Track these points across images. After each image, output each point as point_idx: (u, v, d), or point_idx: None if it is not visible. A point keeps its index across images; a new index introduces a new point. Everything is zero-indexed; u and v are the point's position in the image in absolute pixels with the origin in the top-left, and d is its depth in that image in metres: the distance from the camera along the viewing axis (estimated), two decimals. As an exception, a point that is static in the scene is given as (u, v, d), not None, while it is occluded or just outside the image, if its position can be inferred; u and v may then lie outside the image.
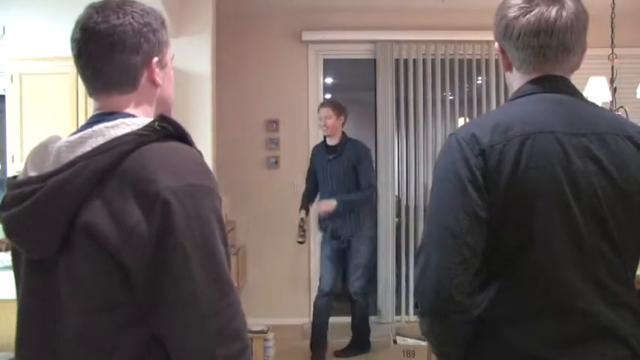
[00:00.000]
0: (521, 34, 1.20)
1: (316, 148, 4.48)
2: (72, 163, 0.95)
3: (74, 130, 3.50)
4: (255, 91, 5.21)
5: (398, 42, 5.17)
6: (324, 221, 4.30)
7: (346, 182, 4.18)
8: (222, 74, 4.69)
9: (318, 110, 4.30)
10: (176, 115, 1.06)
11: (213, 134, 4.17)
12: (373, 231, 4.59)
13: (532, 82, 1.24)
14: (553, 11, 1.18)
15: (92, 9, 1.05)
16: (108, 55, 1.04)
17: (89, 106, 3.74)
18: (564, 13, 1.19)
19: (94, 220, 0.93)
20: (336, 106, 4.23)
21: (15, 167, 3.79)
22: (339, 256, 4.27)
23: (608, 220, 1.15)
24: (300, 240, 4.27)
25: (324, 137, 4.35)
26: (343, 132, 4.31)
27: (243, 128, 5.19)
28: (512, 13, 1.21)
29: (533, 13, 1.19)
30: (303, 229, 4.27)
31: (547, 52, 1.21)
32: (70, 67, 3.69)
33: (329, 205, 4.09)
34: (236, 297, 1.00)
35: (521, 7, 1.20)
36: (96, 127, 0.99)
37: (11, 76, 3.84)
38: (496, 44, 1.28)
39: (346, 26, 5.16)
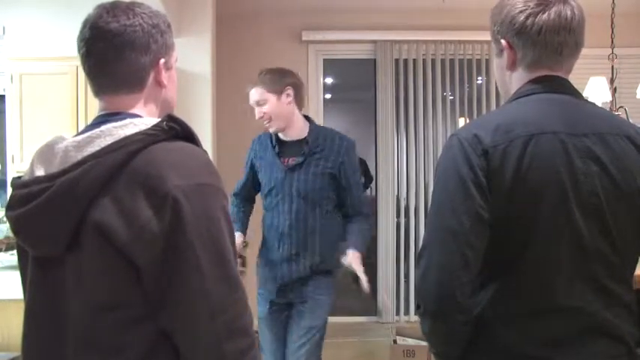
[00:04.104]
0: (543, 30, 1.19)
1: (260, 143, 2.60)
2: (81, 163, 0.96)
3: (74, 130, 3.50)
4: (255, 91, 5.21)
5: (398, 42, 5.17)
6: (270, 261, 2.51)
7: (315, 202, 2.42)
8: (222, 74, 4.69)
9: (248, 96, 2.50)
10: (176, 115, 1.07)
11: (213, 134, 4.18)
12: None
13: (533, 81, 1.24)
14: (568, 10, 1.20)
15: (102, 9, 1.06)
16: (118, 53, 1.05)
17: (89, 106, 3.76)
18: (576, 12, 1.20)
19: (104, 218, 0.94)
20: (269, 80, 2.43)
21: (15, 167, 3.80)
22: (281, 316, 2.54)
23: (608, 221, 1.16)
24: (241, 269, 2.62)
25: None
26: (306, 117, 2.55)
27: (243, 128, 5.18)
28: (530, 9, 1.20)
29: (553, 10, 1.19)
30: (239, 256, 2.67)
31: (564, 50, 1.21)
32: (70, 67, 3.75)
33: (358, 258, 2.39)
34: (244, 294, 1.01)
35: (539, 4, 1.20)
36: (104, 127, 1.00)
37: (11, 76, 3.84)
38: (503, 41, 1.25)
39: (346, 26, 5.16)
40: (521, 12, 1.21)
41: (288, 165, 2.45)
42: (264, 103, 2.43)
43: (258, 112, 2.45)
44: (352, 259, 2.38)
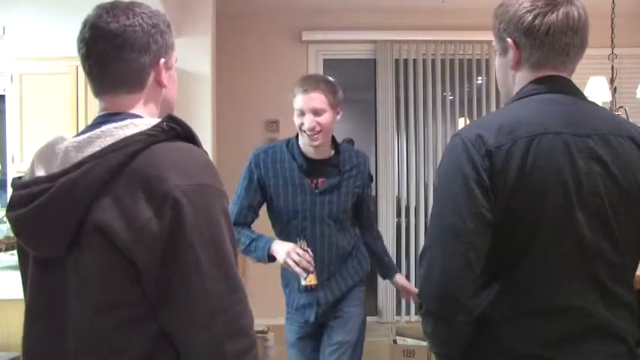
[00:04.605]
0: (551, 31, 1.19)
1: (272, 160, 2.24)
2: (81, 163, 0.96)
3: (74, 130, 3.49)
4: (255, 91, 5.21)
5: (398, 42, 5.18)
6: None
7: (344, 221, 2.28)
8: (222, 74, 4.69)
9: (297, 93, 2.16)
10: (176, 115, 1.07)
11: (213, 134, 4.18)
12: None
13: (536, 81, 1.24)
14: (575, 10, 1.20)
15: (102, 9, 1.06)
16: (118, 54, 1.05)
17: (89, 106, 3.76)
18: (582, 13, 1.21)
19: (104, 218, 0.94)
20: (330, 92, 2.16)
21: (15, 167, 3.80)
22: (315, 335, 2.37)
23: (610, 221, 1.16)
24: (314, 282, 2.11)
25: (296, 143, 2.24)
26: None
27: (243, 128, 5.19)
28: (539, 9, 1.20)
29: (561, 10, 1.19)
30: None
31: (571, 51, 1.22)
32: (70, 67, 3.75)
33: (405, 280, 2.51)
34: (244, 294, 1.02)
35: (548, 4, 1.20)
36: (104, 128, 1.00)
37: (11, 76, 3.85)
38: (509, 40, 1.24)
39: (346, 26, 5.16)
40: (528, 11, 1.20)
41: (320, 187, 2.21)
42: (322, 114, 2.14)
43: (311, 121, 2.12)
44: (403, 282, 2.50)
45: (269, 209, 2.30)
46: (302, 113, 2.14)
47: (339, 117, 2.23)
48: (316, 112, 2.13)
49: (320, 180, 2.22)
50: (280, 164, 2.23)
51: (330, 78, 2.25)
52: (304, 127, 2.14)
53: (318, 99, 2.13)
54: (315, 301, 2.27)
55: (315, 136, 2.14)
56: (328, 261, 2.25)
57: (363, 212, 2.41)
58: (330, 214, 2.22)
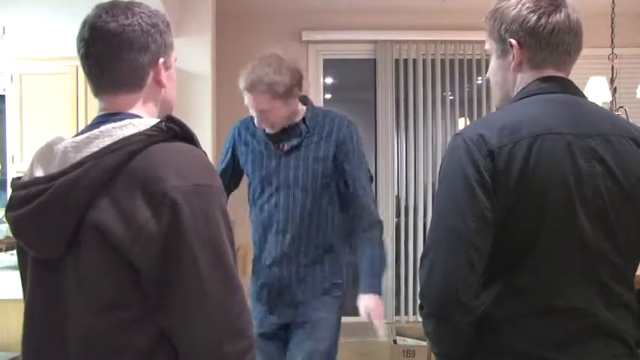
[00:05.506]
0: (555, 30, 1.20)
1: (247, 128, 2.25)
2: (80, 163, 0.96)
3: (74, 130, 3.50)
4: (255, 91, 5.21)
5: (398, 42, 5.17)
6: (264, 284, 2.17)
7: (316, 194, 2.07)
8: (222, 74, 4.69)
9: (240, 86, 2.09)
10: (176, 115, 1.07)
11: (213, 134, 4.17)
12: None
13: (539, 81, 1.24)
14: (573, 13, 1.22)
15: (101, 9, 1.06)
16: (117, 53, 1.05)
17: (89, 106, 3.76)
18: (578, 16, 1.22)
19: (102, 219, 0.94)
20: (276, 86, 2.01)
21: (15, 167, 3.80)
22: (275, 338, 2.20)
23: (612, 222, 1.16)
24: None
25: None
26: (305, 98, 2.19)
27: (243, 128, 5.18)
28: (544, 8, 1.21)
29: (563, 12, 1.21)
30: None
31: (572, 51, 1.23)
32: (70, 67, 3.75)
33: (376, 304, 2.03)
34: (242, 295, 1.01)
35: (551, 4, 1.21)
36: (103, 128, 1.00)
37: (11, 76, 3.85)
38: (512, 41, 1.23)
39: (346, 26, 5.16)
40: (532, 11, 1.21)
41: (283, 150, 2.10)
42: (270, 111, 2.04)
43: (258, 120, 2.07)
44: (371, 307, 2.01)
45: (249, 189, 2.23)
46: (250, 106, 2.08)
47: (295, 99, 2.08)
48: (262, 112, 2.05)
49: (288, 144, 2.13)
50: (250, 131, 2.23)
51: (279, 60, 2.07)
52: (256, 117, 2.09)
53: (261, 99, 2.02)
54: (275, 282, 2.13)
55: (263, 123, 2.09)
56: (296, 232, 2.08)
57: (346, 190, 2.10)
58: (295, 180, 2.07)
